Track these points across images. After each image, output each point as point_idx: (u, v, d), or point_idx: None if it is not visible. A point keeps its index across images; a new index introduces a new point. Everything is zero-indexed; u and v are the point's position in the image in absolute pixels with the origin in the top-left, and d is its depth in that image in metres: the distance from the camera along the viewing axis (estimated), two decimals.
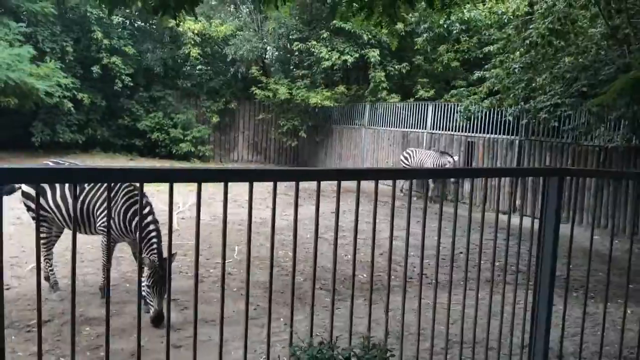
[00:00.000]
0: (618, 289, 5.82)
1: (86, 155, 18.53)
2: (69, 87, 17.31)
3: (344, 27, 17.03)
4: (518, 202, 11.73)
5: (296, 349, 2.39)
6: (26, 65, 15.41)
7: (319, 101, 18.21)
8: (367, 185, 3.06)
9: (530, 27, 10.01)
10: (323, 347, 2.37)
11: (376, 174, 3.08)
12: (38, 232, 2.04)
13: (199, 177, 2.32)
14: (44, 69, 16.13)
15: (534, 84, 10.85)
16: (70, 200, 5.54)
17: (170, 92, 20.42)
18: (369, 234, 3.07)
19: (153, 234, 5.24)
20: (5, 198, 5.79)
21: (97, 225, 5.60)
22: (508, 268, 4.83)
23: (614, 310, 5.74)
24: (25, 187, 5.69)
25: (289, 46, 19.90)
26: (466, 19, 15.21)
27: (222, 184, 2.36)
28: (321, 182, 2.67)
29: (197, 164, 19.04)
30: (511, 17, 11.81)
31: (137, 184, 5.39)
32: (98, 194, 5.56)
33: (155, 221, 5.30)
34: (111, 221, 5.41)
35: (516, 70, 10.84)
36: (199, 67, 20.36)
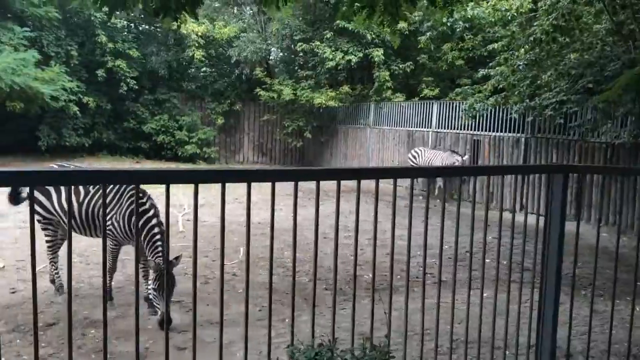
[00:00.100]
0: (626, 286, 5.75)
1: (93, 159, 18.62)
2: (74, 91, 17.42)
3: (347, 27, 17.00)
4: (522, 200, 11.65)
5: (294, 350, 2.37)
6: (31, 70, 15.50)
7: (324, 101, 18.21)
8: (368, 185, 3.04)
9: (535, 23, 9.94)
10: (322, 349, 2.35)
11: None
12: (33, 234, 2.03)
13: (196, 178, 2.31)
14: (49, 73, 16.24)
15: (539, 81, 10.78)
16: (75, 204, 5.55)
17: (175, 94, 20.49)
18: (378, 234, 3.06)
19: (158, 237, 5.23)
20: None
21: None
22: (514, 266, 4.79)
23: (623, 307, 5.67)
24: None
25: (293, 47, 19.89)
26: (470, 16, 15.12)
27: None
28: (320, 182, 2.66)
29: (202, 166, 19.09)
30: (515, 14, 11.72)
31: (142, 187, 5.43)
32: None
33: (160, 224, 5.28)
34: (116, 224, 5.41)
35: (521, 67, 10.77)
36: (204, 69, 20.45)
